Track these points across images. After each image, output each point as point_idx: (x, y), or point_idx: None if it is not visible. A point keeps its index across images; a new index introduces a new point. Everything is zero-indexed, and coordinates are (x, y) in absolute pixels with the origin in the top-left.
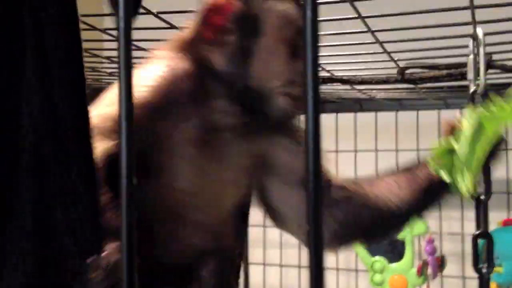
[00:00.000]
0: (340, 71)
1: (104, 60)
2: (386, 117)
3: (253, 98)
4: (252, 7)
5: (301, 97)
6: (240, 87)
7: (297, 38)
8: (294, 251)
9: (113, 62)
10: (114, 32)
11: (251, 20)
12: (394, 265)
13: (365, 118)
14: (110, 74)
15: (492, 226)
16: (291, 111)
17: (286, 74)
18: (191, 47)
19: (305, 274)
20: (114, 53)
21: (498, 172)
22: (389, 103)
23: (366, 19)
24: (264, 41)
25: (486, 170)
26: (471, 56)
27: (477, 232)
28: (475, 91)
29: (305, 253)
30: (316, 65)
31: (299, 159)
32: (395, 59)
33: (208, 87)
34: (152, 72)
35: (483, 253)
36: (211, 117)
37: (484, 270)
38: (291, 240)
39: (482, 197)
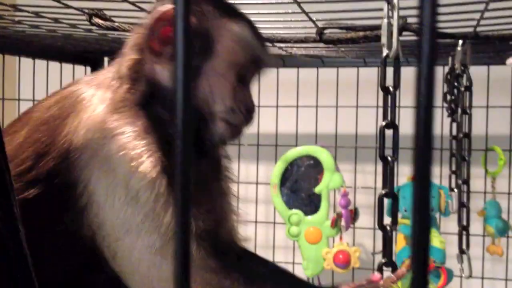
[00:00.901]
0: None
1: (9, 8)
2: (308, 73)
3: (195, 120)
4: (206, 23)
5: (239, 126)
6: None
7: (247, 65)
8: None
9: (18, 10)
10: None
11: (203, 37)
12: (310, 217)
13: (288, 74)
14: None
15: (402, 181)
16: (227, 138)
17: (230, 100)
18: (140, 62)
19: None
20: (21, 1)
21: (410, 128)
22: (312, 60)
23: None
24: (214, 63)
25: (394, 130)
26: (385, 20)
27: (383, 192)
28: (387, 55)
29: None
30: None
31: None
32: (314, 19)
33: (157, 112)
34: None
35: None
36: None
37: (388, 228)
38: None
39: (389, 158)
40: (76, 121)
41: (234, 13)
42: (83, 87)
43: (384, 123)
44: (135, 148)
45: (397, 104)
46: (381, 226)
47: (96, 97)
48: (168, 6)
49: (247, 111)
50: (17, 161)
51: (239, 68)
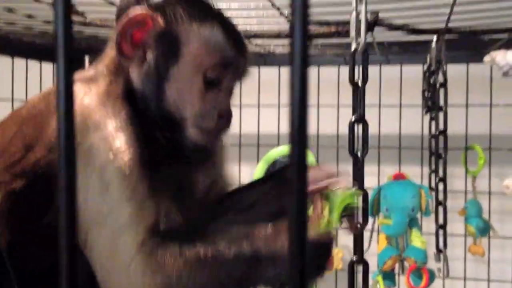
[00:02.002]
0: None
1: None
2: (289, 72)
3: (168, 124)
4: (174, 27)
5: (212, 132)
6: (155, 111)
7: (219, 69)
8: None
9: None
10: None
11: (171, 40)
12: None
13: (269, 73)
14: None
15: (384, 180)
16: (200, 143)
17: (199, 104)
18: (116, 64)
19: None
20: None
21: (391, 127)
22: None
23: None
24: (181, 66)
25: (364, 128)
26: (354, 14)
27: (354, 188)
28: (355, 50)
29: None
30: None
31: None
32: (286, 14)
33: (137, 106)
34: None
35: (374, 205)
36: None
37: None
38: None
39: (359, 154)
40: None
41: (205, 16)
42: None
43: (353, 119)
44: (115, 140)
45: (379, 103)
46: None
47: (81, 91)
48: (138, 10)
49: (219, 116)
50: (6, 155)
51: (208, 72)
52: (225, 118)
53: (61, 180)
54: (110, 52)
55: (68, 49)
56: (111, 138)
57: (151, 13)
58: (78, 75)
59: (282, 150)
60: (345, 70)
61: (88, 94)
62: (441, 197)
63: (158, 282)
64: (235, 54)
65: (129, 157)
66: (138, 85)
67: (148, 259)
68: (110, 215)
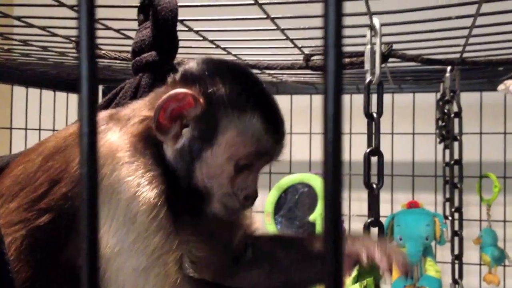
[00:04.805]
0: (247, 56)
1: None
2: (301, 100)
3: (194, 193)
4: (215, 111)
5: (235, 210)
6: (183, 181)
7: (252, 157)
8: None
9: (6, 38)
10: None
11: (209, 124)
12: None
13: (281, 101)
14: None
15: (397, 208)
16: (222, 217)
17: (228, 186)
18: (151, 132)
19: None
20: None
21: (405, 155)
22: (305, 86)
23: (264, 6)
24: (215, 152)
25: (379, 157)
26: (368, 46)
27: (369, 220)
28: (370, 81)
29: None
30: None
31: None
32: (299, 46)
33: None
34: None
35: (388, 234)
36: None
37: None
38: None
39: (374, 186)
40: None
41: (247, 101)
42: (101, 122)
43: (368, 150)
44: (143, 176)
45: (391, 131)
46: None
47: (112, 131)
48: (180, 90)
49: (245, 198)
50: (30, 189)
51: (240, 160)
52: (251, 199)
53: (84, 216)
54: (144, 109)
55: (92, 88)
56: (140, 174)
57: (193, 93)
58: (108, 115)
59: (295, 178)
60: (356, 98)
61: (118, 133)
62: (456, 226)
63: None
64: (271, 144)
65: (158, 193)
66: (169, 157)
67: None
68: (137, 244)
